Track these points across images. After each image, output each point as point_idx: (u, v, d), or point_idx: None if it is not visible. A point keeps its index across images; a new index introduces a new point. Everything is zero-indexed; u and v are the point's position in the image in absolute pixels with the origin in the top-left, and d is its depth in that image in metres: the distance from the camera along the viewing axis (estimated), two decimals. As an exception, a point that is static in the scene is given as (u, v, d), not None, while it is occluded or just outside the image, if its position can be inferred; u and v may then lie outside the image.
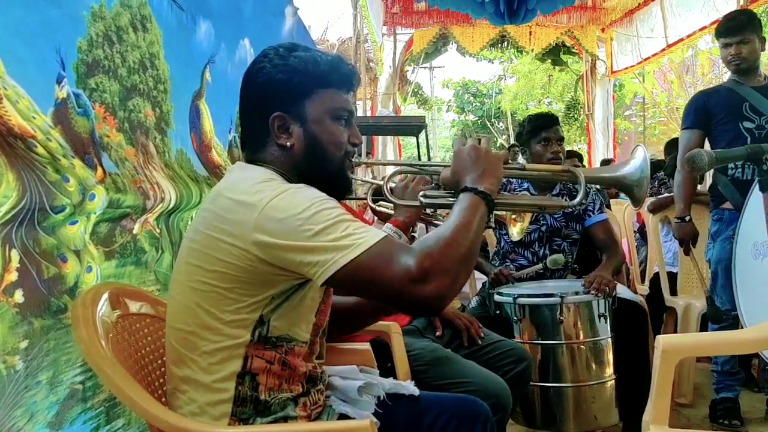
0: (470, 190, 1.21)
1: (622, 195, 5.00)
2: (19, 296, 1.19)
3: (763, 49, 2.84)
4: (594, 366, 2.34)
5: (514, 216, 2.45)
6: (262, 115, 1.24)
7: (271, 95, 1.24)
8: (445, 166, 1.35)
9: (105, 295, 1.30)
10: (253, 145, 1.28)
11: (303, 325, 1.24)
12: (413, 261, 1.05)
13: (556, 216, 2.74)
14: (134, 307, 1.40)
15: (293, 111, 1.24)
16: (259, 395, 1.19)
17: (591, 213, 2.77)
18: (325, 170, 1.27)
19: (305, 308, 1.23)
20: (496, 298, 2.46)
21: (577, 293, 2.34)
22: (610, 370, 2.36)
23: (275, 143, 1.25)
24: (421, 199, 1.43)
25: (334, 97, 1.26)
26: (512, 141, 17.19)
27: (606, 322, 2.36)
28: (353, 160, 1.33)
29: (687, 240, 2.90)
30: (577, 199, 1.40)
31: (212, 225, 1.15)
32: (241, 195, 1.14)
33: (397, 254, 1.06)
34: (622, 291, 2.99)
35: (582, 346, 2.33)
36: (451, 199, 1.35)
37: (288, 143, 1.24)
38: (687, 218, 2.89)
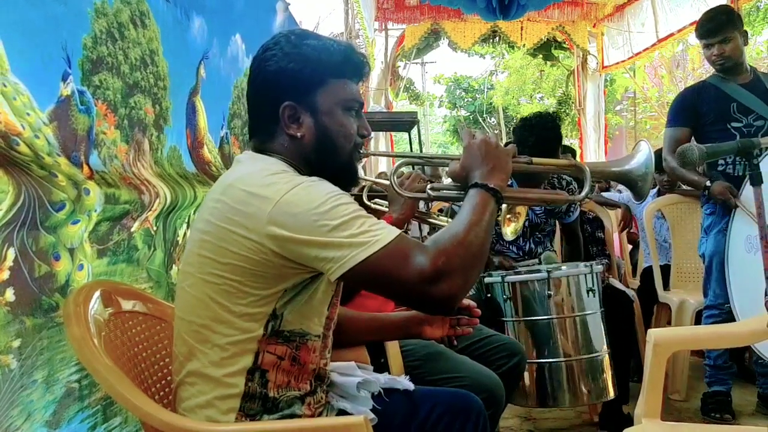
0: (480, 186, 1.20)
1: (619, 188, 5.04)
2: (10, 295, 1.18)
3: (746, 44, 2.82)
4: (585, 340, 2.37)
5: (509, 216, 2.48)
6: (272, 104, 1.22)
7: (282, 84, 1.22)
8: (452, 159, 1.34)
9: (97, 293, 1.30)
10: (262, 134, 1.27)
11: (316, 319, 1.24)
12: (427, 260, 1.05)
13: (537, 212, 2.87)
14: (127, 304, 1.40)
15: (304, 101, 1.22)
16: (268, 392, 1.19)
17: (572, 212, 2.96)
18: (334, 162, 1.26)
19: (318, 302, 1.22)
20: (486, 279, 2.52)
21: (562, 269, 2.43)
22: (603, 345, 2.40)
23: (285, 133, 1.24)
24: (429, 191, 1.42)
25: (345, 88, 1.25)
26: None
27: (595, 296, 2.41)
28: (361, 151, 1.32)
29: (726, 192, 2.63)
30: (583, 194, 1.40)
31: (225, 217, 1.13)
32: (255, 187, 1.12)
33: (412, 253, 1.06)
34: (613, 284, 3.03)
35: (572, 321, 2.37)
36: (458, 192, 1.34)
37: (298, 134, 1.23)
38: (708, 183, 2.72)
